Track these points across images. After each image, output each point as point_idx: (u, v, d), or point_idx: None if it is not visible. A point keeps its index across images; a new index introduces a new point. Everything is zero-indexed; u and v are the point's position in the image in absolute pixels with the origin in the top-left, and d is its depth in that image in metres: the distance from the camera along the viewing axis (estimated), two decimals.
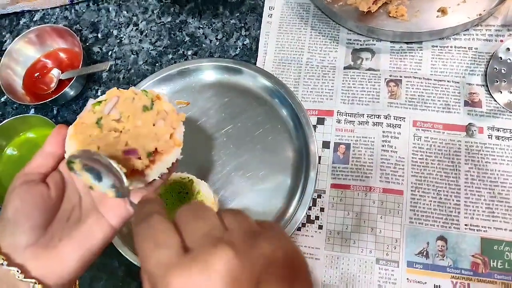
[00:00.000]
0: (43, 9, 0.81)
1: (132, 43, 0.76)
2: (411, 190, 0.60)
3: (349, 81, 0.67)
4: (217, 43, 0.74)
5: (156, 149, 0.40)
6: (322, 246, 0.59)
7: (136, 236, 0.27)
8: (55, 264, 0.36)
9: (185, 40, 0.75)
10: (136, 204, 0.33)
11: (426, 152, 0.61)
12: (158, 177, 0.40)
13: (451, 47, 0.67)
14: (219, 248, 0.24)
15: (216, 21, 0.76)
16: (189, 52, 0.74)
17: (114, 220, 0.40)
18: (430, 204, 0.59)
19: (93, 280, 0.61)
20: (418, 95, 0.65)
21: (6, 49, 0.72)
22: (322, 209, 0.61)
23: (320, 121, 0.65)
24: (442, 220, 0.58)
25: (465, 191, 0.59)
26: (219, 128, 0.66)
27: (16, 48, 0.72)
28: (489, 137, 0.61)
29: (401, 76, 0.66)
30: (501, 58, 0.64)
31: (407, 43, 0.68)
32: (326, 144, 0.64)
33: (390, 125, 0.63)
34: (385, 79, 0.66)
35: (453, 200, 0.59)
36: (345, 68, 0.68)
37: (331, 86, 0.67)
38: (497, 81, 0.63)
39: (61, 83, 0.72)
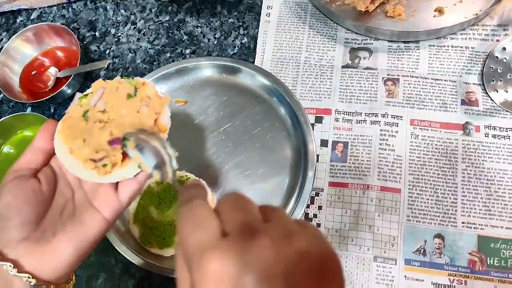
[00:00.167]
0: (40, 8, 0.81)
1: (130, 41, 0.76)
2: (409, 188, 0.60)
3: (347, 80, 0.67)
4: (215, 42, 0.74)
5: None
6: None
7: (179, 216, 0.28)
8: (49, 258, 0.37)
9: (183, 39, 0.75)
10: (178, 187, 0.34)
11: (424, 151, 0.62)
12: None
13: (448, 46, 0.68)
14: (257, 237, 0.24)
15: (214, 20, 0.76)
16: (187, 51, 0.74)
17: (107, 213, 0.40)
18: (428, 202, 0.59)
19: (91, 278, 0.61)
20: (416, 94, 0.65)
21: (3, 47, 0.72)
22: (320, 207, 0.61)
23: (318, 120, 0.65)
24: (439, 218, 0.58)
25: (462, 189, 0.59)
26: (217, 127, 0.66)
27: (13, 46, 0.72)
28: (485, 136, 0.61)
29: (398, 75, 0.67)
30: (497, 57, 0.65)
31: (404, 42, 0.69)
32: (324, 143, 0.64)
33: (387, 124, 0.64)
34: (383, 78, 0.67)
35: (450, 198, 0.59)
36: (343, 67, 0.69)
37: (329, 85, 0.68)
38: (493, 80, 0.64)
39: (59, 82, 0.71)
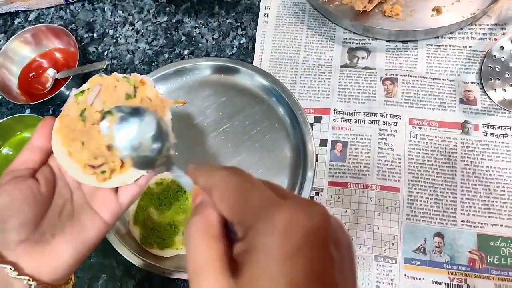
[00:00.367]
0: (38, 9, 0.80)
1: (128, 42, 0.76)
2: (408, 187, 0.60)
3: (346, 79, 0.68)
4: (214, 42, 0.74)
5: None
6: None
7: (228, 179, 0.28)
8: (49, 260, 0.36)
9: (182, 40, 0.75)
10: (179, 171, 0.34)
11: (423, 150, 0.62)
12: (147, 172, 0.39)
13: (446, 45, 0.68)
14: (315, 202, 0.26)
15: (212, 20, 0.76)
16: (186, 52, 0.74)
17: (106, 216, 0.39)
18: (427, 201, 0.59)
19: (92, 280, 0.61)
20: (414, 93, 0.65)
21: (1, 48, 0.72)
22: None
23: (317, 120, 0.66)
24: (439, 216, 0.58)
25: (461, 188, 0.59)
26: (216, 127, 0.66)
27: (11, 48, 0.72)
28: (484, 134, 0.62)
29: (397, 75, 0.67)
30: (495, 56, 0.65)
31: (402, 42, 0.69)
32: (323, 142, 0.64)
33: (386, 123, 0.64)
34: (381, 77, 0.67)
35: (449, 196, 0.59)
36: (341, 66, 0.69)
37: (328, 85, 0.68)
38: (491, 79, 0.64)
39: (57, 83, 0.71)
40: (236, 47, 0.73)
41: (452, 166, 0.61)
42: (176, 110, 0.67)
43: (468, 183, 0.60)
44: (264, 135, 0.65)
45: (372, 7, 0.68)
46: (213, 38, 0.74)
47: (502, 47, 0.65)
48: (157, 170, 0.39)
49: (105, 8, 0.79)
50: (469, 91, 0.64)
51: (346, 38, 0.71)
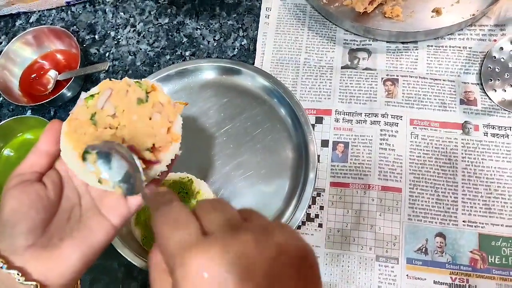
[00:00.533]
0: (39, 11, 0.81)
1: (130, 44, 0.76)
2: (410, 188, 0.60)
3: (347, 80, 0.68)
4: (215, 43, 0.74)
5: (153, 145, 0.38)
6: (322, 244, 0.60)
7: (156, 219, 0.28)
8: (56, 264, 0.36)
9: (183, 41, 0.75)
10: (148, 196, 0.34)
11: (424, 150, 0.62)
12: (158, 176, 0.39)
13: (446, 46, 0.68)
14: (238, 232, 0.25)
15: (214, 22, 0.76)
16: (187, 53, 0.74)
17: (115, 219, 0.39)
18: (428, 201, 0.60)
19: (93, 282, 0.60)
20: (415, 94, 0.65)
21: (2, 50, 0.72)
22: (321, 207, 0.61)
23: (319, 120, 0.66)
24: (441, 217, 0.59)
25: (463, 188, 0.60)
26: (218, 128, 0.66)
27: (13, 49, 0.72)
28: (484, 135, 0.62)
29: (397, 75, 0.67)
30: (494, 57, 0.66)
31: (402, 43, 0.69)
32: (324, 143, 0.64)
33: (387, 124, 0.64)
34: (382, 78, 0.67)
35: (450, 197, 0.59)
36: (342, 67, 0.69)
37: (329, 86, 0.68)
38: (491, 80, 0.65)
39: (59, 84, 0.71)
40: (237, 48, 0.73)
41: (453, 166, 0.61)
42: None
43: (469, 183, 0.60)
44: (266, 136, 0.65)
45: (373, 8, 0.69)
46: (214, 40, 0.75)
47: (501, 48, 0.66)
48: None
49: (107, 9, 0.80)
50: (469, 91, 0.65)
51: (347, 39, 0.71)
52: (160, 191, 0.32)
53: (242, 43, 0.74)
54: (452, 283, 0.56)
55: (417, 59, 0.68)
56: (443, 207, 0.59)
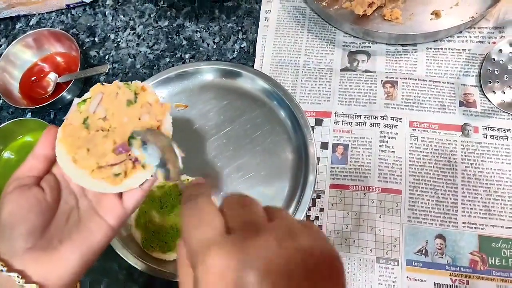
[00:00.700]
0: (39, 14, 0.81)
1: (130, 46, 0.76)
2: (409, 190, 0.61)
3: (346, 82, 0.68)
4: (215, 46, 0.74)
5: None
6: None
7: (183, 213, 0.28)
8: (56, 266, 0.36)
9: (183, 44, 0.75)
10: (182, 185, 0.34)
11: (423, 152, 0.62)
12: (151, 176, 0.40)
13: (445, 49, 0.68)
14: (260, 234, 0.25)
15: (213, 24, 0.76)
16: (187, 56, 0.74)
17: (112, 221, 0.40)
18: (428, 203, 0.60)
19: (93, 284, 0.60)
20: (414, 96, 0.66)
21: (2, 53, 0.72)
22: (321, 209, 0.61)
23: (318, 122, 0.66)
24: (440, 218, 0.59)
25: (462, 190, 0.60)
26: (218, 131, 0.66)
27: (13, 52, 0.72)
28: (484, 137, 0.62)
29: (397, 78, 0.67)
30: (494, 59, 0.66)
31: (402, 45, 0.69)
32: (324, 145, 0.64)
33: (387, 126, 0.64)
34: (381, 80, 0.67)
35: (450, 198, 0.60)
36: (341, 70, 0.69)
37: (328, 88, 0.68)
38: (491, 82, 0.65)
39: (59, 87, 0.71)
40: (237, 51, 0.74)
41: (453, 168, 0.61)
42: (177, 114, 0.67)
43: (468, 185, 0.60)
44: (265, 138, 0.65)
45: (372, 11, 0.69)
46: (214, 42, 0.75)
47: (500, 50, 0.66)
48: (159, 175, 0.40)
49: (106, 12, 0.80)
50: (468, 93, 0.65)
51: (346, 42, 0.71)
52: (195, 182, 0.32)
53: (242, 46, 0.74)
54: (452, 285, 0.56)
55: (416, 61, 0.68)
56: (443, 208, 0.59)
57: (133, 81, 0.42)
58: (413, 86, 0.66)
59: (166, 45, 0.75)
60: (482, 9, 0.67)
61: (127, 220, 0.42)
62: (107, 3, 0.81)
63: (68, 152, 0.39)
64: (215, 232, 0.26)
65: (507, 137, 0.62)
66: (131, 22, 0.78)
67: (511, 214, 0.58)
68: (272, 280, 0.23)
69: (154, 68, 0.74)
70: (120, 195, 0.41)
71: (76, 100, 0.41)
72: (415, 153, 0.62)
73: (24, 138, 0.68)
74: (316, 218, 0.61)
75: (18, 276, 0.34)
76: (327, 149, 0.64)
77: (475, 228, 0.58)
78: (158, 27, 0.77)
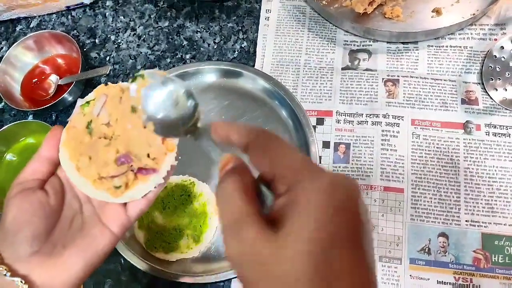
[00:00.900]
0: (39, 16, 0.81)
1: (130, 47, 0.76)
2: (412, 188, 0.60)
3: (347, 81, 0.68)
4: (215, 46, 0.74)
5: (148, 155, 0.38)
6: None
7: (263, 143, 0.30)
8: (60, 272, 0.36)
9: (183, 44, 0.75)
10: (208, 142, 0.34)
11: (425, 150, 0.62)
12: (154, 187, 0.39)
13: (447, 46, 0.68)
14: (347, 176, 0.28)
15: (214, 24, 0.76)
16: (188, 56, 0.74)
17: (116, 229, 0.39)
18: (431, 201, 0.60)
19: (97, 285, 0.61)
20: (416, 94, 0.65)
21: (3, 55, 0.72)
22: None
23: (320, 122, 0.66)
24: (443, 216, 0.59)
25: (465, 188, 0.60)
26: None
27: (14, 54, 0.72)
28: (486, 134, 0.62)
29: (398, 76, 0.67)
30: (495, 56, 0.66)
31: (403, 43, 0.69)
32: (326, 144, 0.64)
33: (389, 124, 0.64)
34: (383, 79, 0.67)
35: (453, 196, 0.59)
36: (343, 68, 0.69)
37: (330, 87, 0.68)
38: (492, 79, 0.65)
39: (60, 89, 0.72)
40: (237, 50, 0.73)
41: (455, 166, 0.61)
42: None
43: (471, 182, 0.60)
44: None
45: (372, 9, 0.69)
46: (214, 42, 0.75)
47: (502, 47, 0.66)
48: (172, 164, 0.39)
49: (107, 13, 0.80)
50: (470, 91, 0.65)
51: (347, 40, 0.71)
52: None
53: (242, 46, 0.74)
54: (455, 283, 0.56)
55: (417, 59, 0.68)
56: (446, 207, 0.59)
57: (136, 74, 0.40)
58: (414, 84, 0.66)
59: (166, 46, 0.75)
60: (483, 6, 0.67)
61: (131, 227, 0.41)
62: (107, 4, 0.81)
63: (71, 159, 0.38)
64: (310, 160, 0.29)
65: (510, 134, 0.62)
66: (131, 23, 0.78)
67: None
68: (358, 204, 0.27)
69: (155, 69, 0.74)
70: (124, 203, 0.40)
71: (80, 101, 0.40)
72: (417, 152, 0.62)
73: (26, 140, 0.68)
74: None
75: (21, 281, 0.34)
76: (329, 148, 0.64)
77: (478, 226, 0.58)
78: (159, 27, 0.77)
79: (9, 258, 0.35)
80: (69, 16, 0.81)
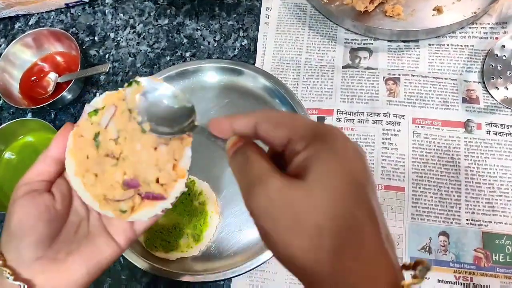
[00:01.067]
0: (38, 13, 0.80)
1: (130, 45, 0.76)
2: (412, 187, 0.60)
3: (348, 80, 0.68)
4: (215, 44, 0.74)
5: (157, 180, 0.36)
6: None
7: (272, 116, 0.30)
8: (63, 278, 0.36)
9: (183, 42, 0.75)
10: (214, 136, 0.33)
11: (426, 149, 0.62)
12: (161, 212, 0.38)
13: (448, 45, 0.68)
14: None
15: (214, 22, 0.76)
16: (187, 54, 0.74)
17: (122, 241, 0.39)
18: (432, 200, 0.59)
19: (96, 284, 0.60)
20: (417, 93, 0.65)
21: (2, 53, 0.72)
22: None
23: (321, 120, 0.66)
24: (444, 215, 0.59)
25: (466, 187, 0.60)
26: None
27: (12, 52, 0.71)
28: (487, 133, 0.62)
29: (399, 74, 0.67)
30: (496, 55, 0.65)
31: (404, 41, 0.69)
32: None
33: (389, 123, 0.64)
34: (384, 77, 0.67)
35: (454, 195, 0.59)
36: (343, 67, 0.69)
37: (330, 85, 0.68)
38: (493, 78, 0.64)
39: (59, 87, 0.71)
40: (238, 48, 0.73)
41: (456, 165, 0.61)
42: None
43: (472, 181, 0.60)
44: None
45: (373, 7, 0.68)
46: (214, 40, 0.74)
47: (503, 46, 0.66)
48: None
49: (106, 11, 0.79)
50: (471, 90, 0.65)
51: (348, 39, 0.71)
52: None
53: (243, 44, 0.73)
54: (456, 282, 0.56)
55: (418, 57, 0.68)
56: (446, 205, 0.59)
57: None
58: (415, 83, 0.66)
59: (166, 44, 0.75)
60: (484, 4, 0.67)
61: (135, 241, 0.41)
62: (106, 1, 0.80)
63: (76, 173, 0.37)
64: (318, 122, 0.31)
65: (510, 133, 0.62)
66: (131, 21, 0.78)
67: None
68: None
69: (155, 67, 0.73)
70: None
71: (88, 108, 0.38)
72: (418, 150, 0.62)
73: (25, 138, 0.68)
74: None
75: (24, 286, 0.34)
76: None
77: (478, 225, 0.58)
78: (158, 25, 0.77)
79: (13, 261, 0.35)
80: (68, 14, 0.80)
